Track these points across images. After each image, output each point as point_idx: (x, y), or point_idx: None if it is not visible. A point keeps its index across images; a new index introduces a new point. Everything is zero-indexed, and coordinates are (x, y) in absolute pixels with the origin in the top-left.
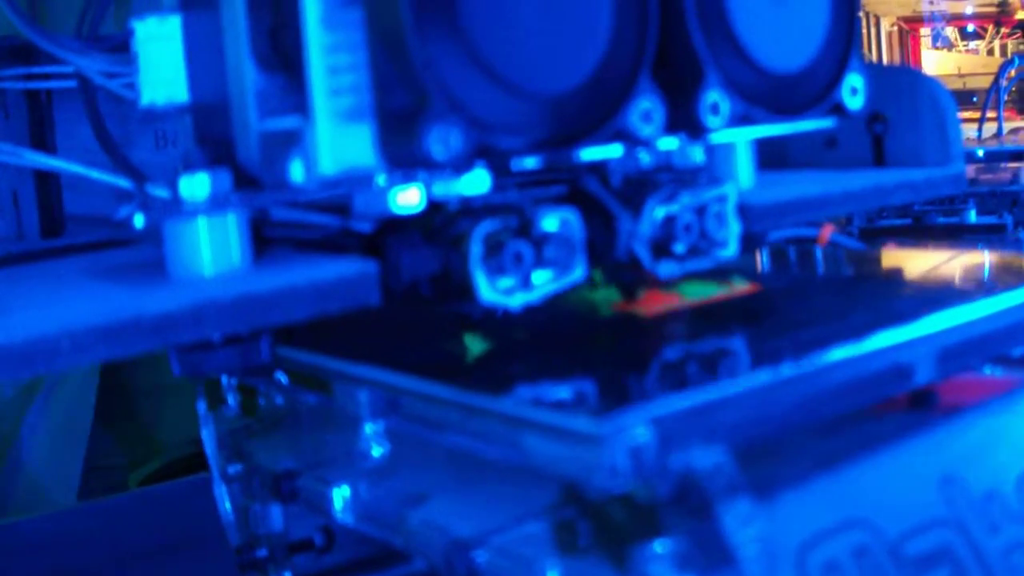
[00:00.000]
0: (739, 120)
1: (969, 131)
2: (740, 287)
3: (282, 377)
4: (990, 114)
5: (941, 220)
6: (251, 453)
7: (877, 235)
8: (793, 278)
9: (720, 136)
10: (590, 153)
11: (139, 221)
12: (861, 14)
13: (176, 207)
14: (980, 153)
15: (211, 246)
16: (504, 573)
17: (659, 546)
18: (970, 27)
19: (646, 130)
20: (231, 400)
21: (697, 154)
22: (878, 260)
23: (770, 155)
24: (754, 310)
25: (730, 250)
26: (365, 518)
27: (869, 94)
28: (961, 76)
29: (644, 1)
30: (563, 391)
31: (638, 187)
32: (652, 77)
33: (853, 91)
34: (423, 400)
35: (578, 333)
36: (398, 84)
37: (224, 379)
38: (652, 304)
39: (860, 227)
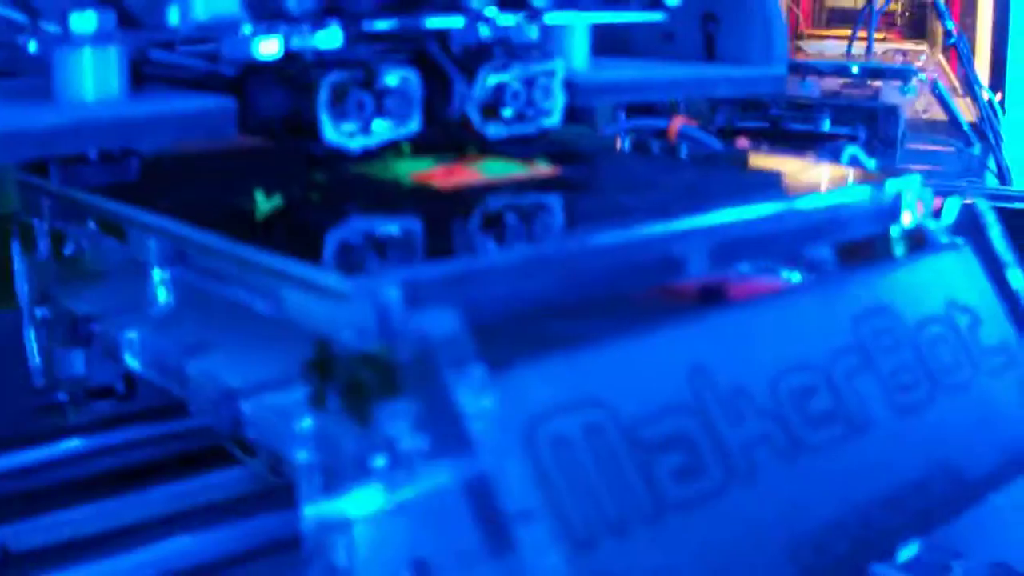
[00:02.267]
0: (566, 3)
1: (857, 49)
2: (541, 170)
3: (91, 223)
4: (877, 36)
5: (796, 127)
6: (57, 297)
7: (736, 135)
8: (605, 167)
9: (550, 18)
10: (433, 21)
11: (32, 47)
12: None
13: (66, 39)
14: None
15: (94, 74)
16: (265, 426)
17: (397, 408)
18: None
19: (476, 2)
20: (42, 245)
21: (532, 32)
22: (698, 160)
23: (613, 44)
24: (543, 193)
25: (554, 119)
26: (151, 365)
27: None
28: None
29: None
30: (328, 250)
31: (475, 56)
32: None
33: None
34: (203, 251)
35: (368, 198)
36: None
37: (36, 222)
38: (450, 178)
39: (719, 126)
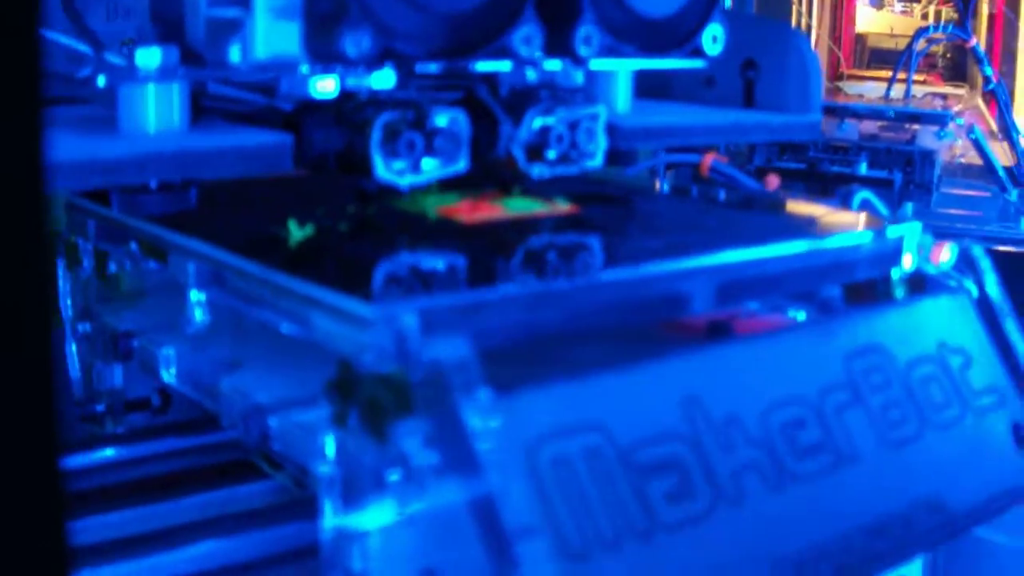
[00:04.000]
0: (609, 52)
1: (896, 91)
2: (560, 207)
3: (133, 245)
4: (916, 77)
5: (834, 169)
6: (99, 314)
7: (771, 174)
8: (622, 206)
9: (595, 64)
10: (482, 65)
11: (102, 82)
12: None
13: (131, 73)
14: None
15: (157, 108)
16: (291, 441)
17: (411, 426)
18: None
19: (526, 51)
20: (86, 263)
21: (578, 77)
22: (714, 200)
23: (655, 87)
24: (560, 229)
25: (596, 161)
26: (186, 380)
27: (730, 42)
28: (893, 36)
29: None
30: (354, 278)
31: (521, 98)
32: (536, 8)
33: (714, 39)
34: (238, 275)
35: (395, 230)
36: None
37: (81, 242)
38: (474, 213)
39: (758, 166)
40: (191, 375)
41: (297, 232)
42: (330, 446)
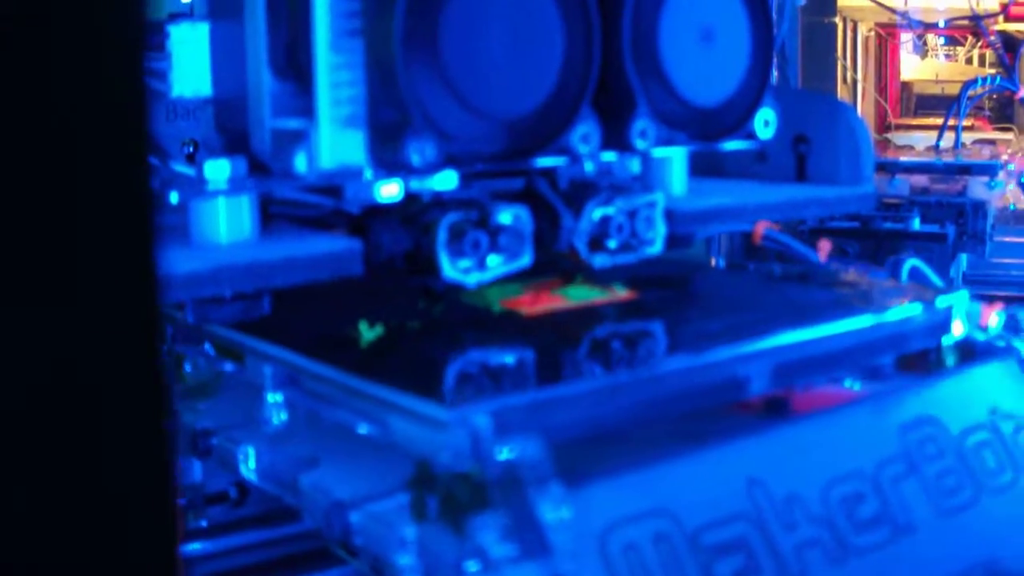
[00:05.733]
0: (665, 142)
1: (946, 140)
2: (619, 294)
3: (208, 347)
4: (965, 123)
5: (887, 226)
6: (176, 412)
7: (824, 235)
8: (677, 289)
9: (653, 152)
10: (541, 161)
11: (174, 199)
12: (838, 19)
13: (200, 186)
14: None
15: (227, 220)
16: (372, 534)
17: (488, 520)
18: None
19: (584, 149)
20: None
21: (634, 165)
22: (767, 277)
23: (708, 164)
24: (620, 317)
25: (656, 247)
26: (265, 477)
27: (780, 118)
28: (938, 82)
29: (589, 44)
30: (427, 379)
31: (581, 190)
32: (592, 105)
33: (766, 123)
34: (314, 378)
35: (462, 325)
36: (387, 102)
37: None
38: (535, 304)
39: (810, 227)
40: (270, 471)
41: (368, 332)
42: (410, 538)
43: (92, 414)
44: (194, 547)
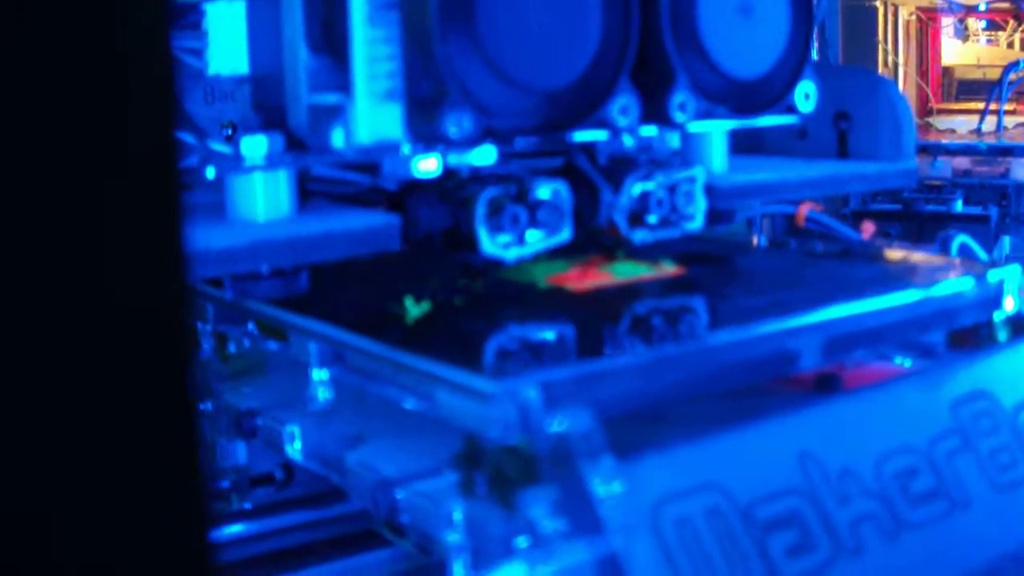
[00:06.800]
0: (704, 115)
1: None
2: (667, 270)
3: (251, 326)
4: (1007, 108)
5: (929, 208)
6: (220, 393)
7: (867, 217)
8: (725, 265)
9: (692, 127)
10: (580, 136)
11: (211, 173)
12: (879, 3)
13: (237, 163)
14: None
15: (264, 196)
16: (419, 512)
17: (538, 494)
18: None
19: (623, 121)
20: (206, 344)
21: (674, 140)
22: (814, 254)
23: (749, 141)
24: (667, 293)
25: (696, 223)
26: (311, 456)
27: (821, 94)
28: (980, 67)
29: (627, 17)
30: (475, 353)
31: (620, 166)
32: (631, 78)
33: (806, 96)
34: (360, 354)
35: (508, 301)
36: (424, 76)
37: (200, 325)
38: (582, 281)
39: (853, 209)
40: (316, 451)
41: (414, 308)
42: (458, 515)
43: (117, 394)
44: (238, 529)
